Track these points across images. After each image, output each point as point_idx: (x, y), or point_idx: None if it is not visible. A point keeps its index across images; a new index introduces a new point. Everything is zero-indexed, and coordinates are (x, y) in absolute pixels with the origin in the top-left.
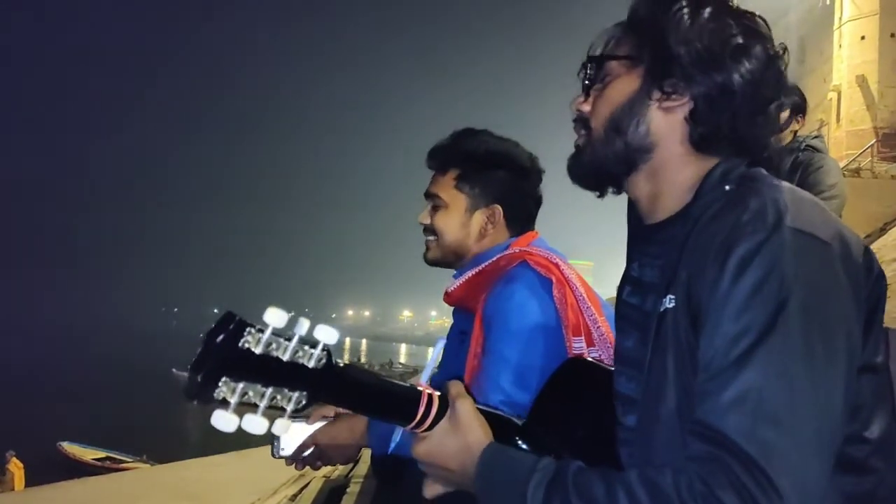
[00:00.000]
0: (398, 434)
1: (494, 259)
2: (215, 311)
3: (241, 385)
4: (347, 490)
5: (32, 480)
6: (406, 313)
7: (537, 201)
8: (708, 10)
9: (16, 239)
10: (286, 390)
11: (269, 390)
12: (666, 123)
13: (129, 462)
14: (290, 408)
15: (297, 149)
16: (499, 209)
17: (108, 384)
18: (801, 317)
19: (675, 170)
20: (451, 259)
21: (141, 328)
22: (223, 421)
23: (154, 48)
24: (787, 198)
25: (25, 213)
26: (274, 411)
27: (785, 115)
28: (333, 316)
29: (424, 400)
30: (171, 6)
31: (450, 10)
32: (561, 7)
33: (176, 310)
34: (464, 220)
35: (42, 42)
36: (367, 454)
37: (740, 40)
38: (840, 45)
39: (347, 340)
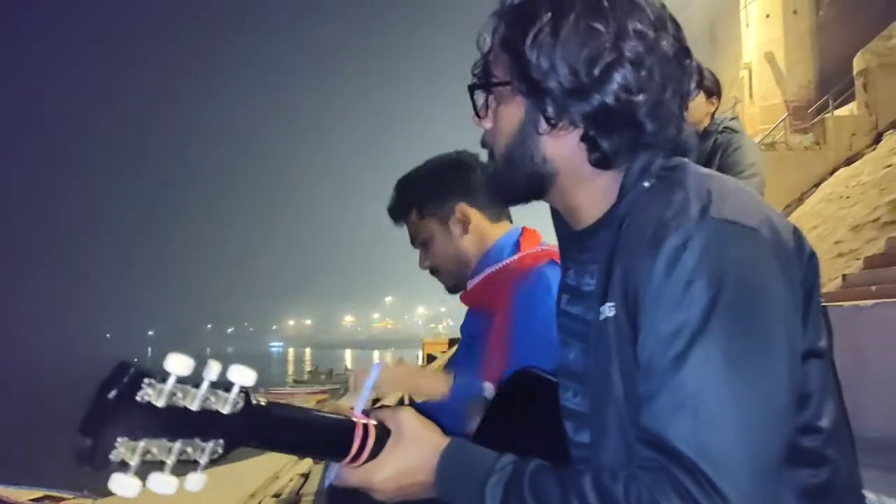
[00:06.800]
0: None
1: (517, 258)
2: (150, 333)
3: (141, 443)
4: None
5: None
6: (348, 318)
7: None
8: (571, 18)
9: None
10: (198, 440)
11: (178, 444)
12: (561, 150)
13: (69, 499)
14: (203, 459)
15: (224, 159)
16: (461, 205)
17: (38, 421)
18: (734, 310)
19: (586, 185)
20: (464, 273)
21: (67, 360)
22: (123, 486)
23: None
24: (710, 187)
25: None
26: (185, 465)
27: (699, 100)
28: (274, 328)
29: (360, 431)
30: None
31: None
32: None
33: (108, 336)
34: (446, 236)
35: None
36: (315, 474)
37: (609, 57)
38: (747, 25)
39: (291, 351)
